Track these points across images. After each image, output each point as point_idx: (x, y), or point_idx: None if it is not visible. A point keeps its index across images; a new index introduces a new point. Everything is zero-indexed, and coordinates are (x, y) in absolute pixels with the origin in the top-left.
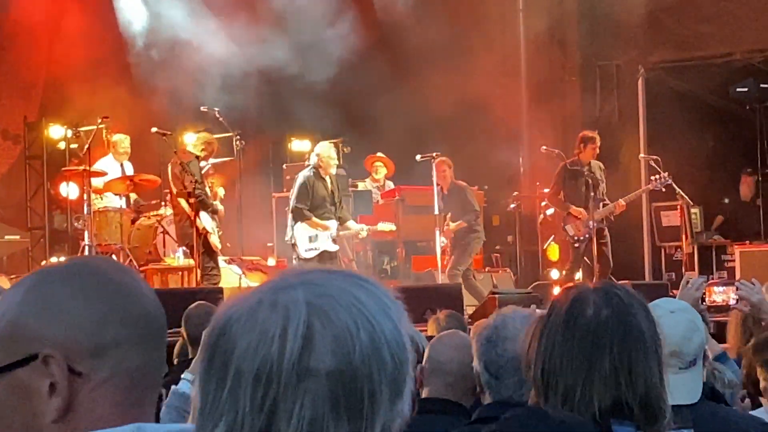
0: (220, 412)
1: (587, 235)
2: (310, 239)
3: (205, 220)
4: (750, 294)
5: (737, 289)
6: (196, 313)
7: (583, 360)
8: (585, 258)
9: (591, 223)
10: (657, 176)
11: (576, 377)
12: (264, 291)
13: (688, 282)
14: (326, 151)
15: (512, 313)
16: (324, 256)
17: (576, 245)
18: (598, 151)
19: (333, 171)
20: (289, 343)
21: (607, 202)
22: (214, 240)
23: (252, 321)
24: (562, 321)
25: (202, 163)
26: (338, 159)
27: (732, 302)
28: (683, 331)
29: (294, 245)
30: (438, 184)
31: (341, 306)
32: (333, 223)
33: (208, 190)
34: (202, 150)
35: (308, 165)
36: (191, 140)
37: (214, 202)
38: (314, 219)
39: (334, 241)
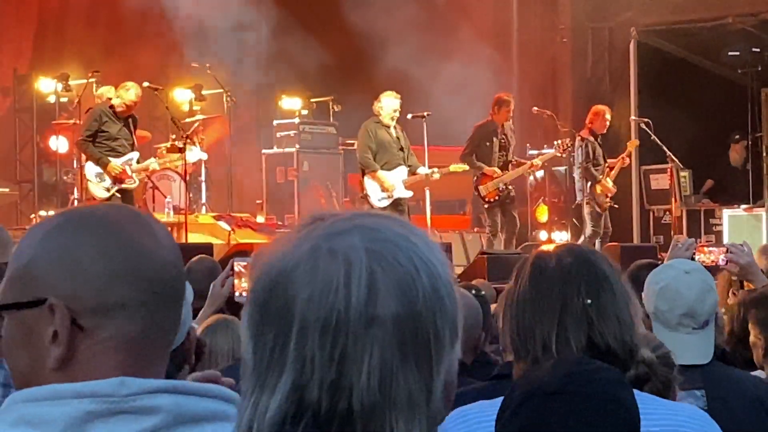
0: (283, 364)
1: (498, 197)
2: (382, 188)
3: (88, 170)
4: (739, 256)
5: (727, 250)
6: (198, 268)
7: (555, 305)
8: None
9: (501, 185)
10: (558, 142)
11: (551, 323)
12: (317, 237)
13: (678, 243)
14: (384, 101)
15: None
16: (397, 203)
17: (486, 206)
18: (511, 114)
19: (392, 122)
20: (354, 290)
21: (519, 161)
22: (93, 188)
23: (312, 270)
24: (527, 280)
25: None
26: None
27: (721, 263)
28: (697, 292)
29: (366, 196)
30: (600, 133)
31: (400, 251)
32: (403, 169)
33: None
34: (117, 98)
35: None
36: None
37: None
38: (379, 173)
39: (407, 187)
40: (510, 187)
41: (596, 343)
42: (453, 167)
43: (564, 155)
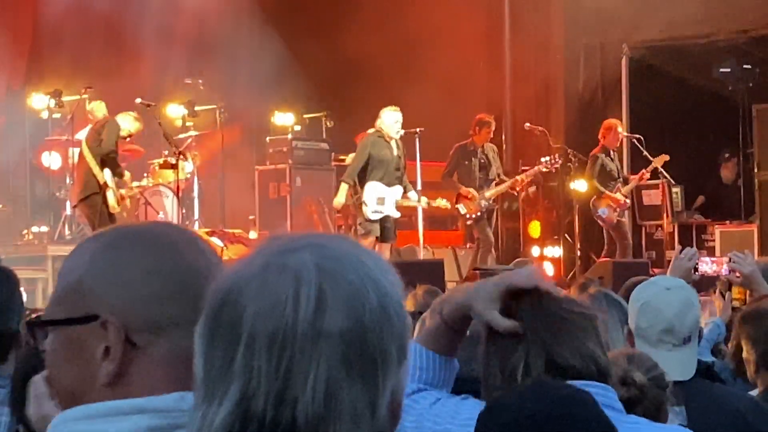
0: (230, 377)
1: (479, 213)
2: (378, 201)
3: (107, 175)
4: (743, 265)
5: (730, 260)
6: None
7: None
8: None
9: (483, 202)
10: (548, 158)
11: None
12: (269, 254)
13: (681, 252)
14: (384, 115)
15: None
16: (387, 220)
17: (469, 223)
18: (492, 134)
19: (396, 136)
20: (302, 305)
21: (503, 178)
22: (110, 196)
23: (262, 285)
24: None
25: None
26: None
27: (724, 272)
28: (678, 308)
29: (362, 204)
30: (612, 148)
31: (349, 268)
32: (398, 189)
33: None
34: (125, 121)
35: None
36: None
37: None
38: (343, 184)
39: (397, 207)
40: (494, 203)
41: (558, 363)
42: (438, 202)
43: (554, 170)
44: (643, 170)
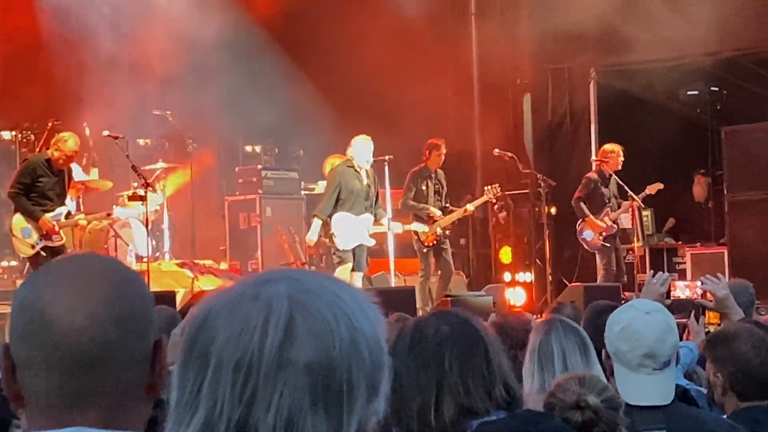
0: (198, 402)
1: (435, 242)
2: (348, 231)
3: (15, 224)
4: (716, 289)
5: (702, 283)
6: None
7: (432, 381)
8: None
9: (439, 229)
10: (489, 186)
11: (428, 398)
12: (246, 285)
13: (653, 276)
14: (356, 145)
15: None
16: (359, 249)
17: (425, 251)
18: (443, 158)
19: (366, 166)
20: (270, 334)
21: (453, 209)
22: (19, 245)
23: (233, 313)
24: (407, 350)
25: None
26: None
27: (697, 297)
28: (658, 332)
29: (332, 236)
30: (609, 172)
31: (322, 301)
32: (368, 218)
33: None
34: (55, 150)
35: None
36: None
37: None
38: (316, 220)
39: (370, 235)
40: (447, 232)
41: (466, 408)
42: (414, 226)
43: (496, 200)
44: (634, 198)
